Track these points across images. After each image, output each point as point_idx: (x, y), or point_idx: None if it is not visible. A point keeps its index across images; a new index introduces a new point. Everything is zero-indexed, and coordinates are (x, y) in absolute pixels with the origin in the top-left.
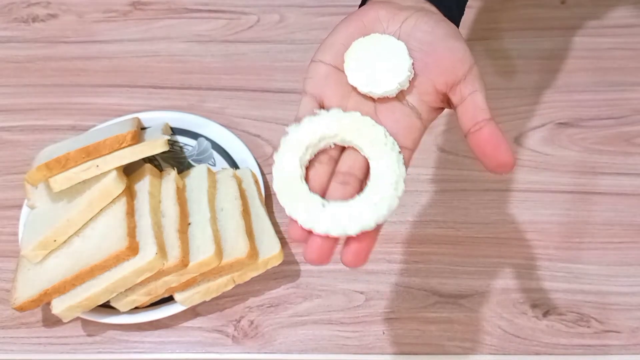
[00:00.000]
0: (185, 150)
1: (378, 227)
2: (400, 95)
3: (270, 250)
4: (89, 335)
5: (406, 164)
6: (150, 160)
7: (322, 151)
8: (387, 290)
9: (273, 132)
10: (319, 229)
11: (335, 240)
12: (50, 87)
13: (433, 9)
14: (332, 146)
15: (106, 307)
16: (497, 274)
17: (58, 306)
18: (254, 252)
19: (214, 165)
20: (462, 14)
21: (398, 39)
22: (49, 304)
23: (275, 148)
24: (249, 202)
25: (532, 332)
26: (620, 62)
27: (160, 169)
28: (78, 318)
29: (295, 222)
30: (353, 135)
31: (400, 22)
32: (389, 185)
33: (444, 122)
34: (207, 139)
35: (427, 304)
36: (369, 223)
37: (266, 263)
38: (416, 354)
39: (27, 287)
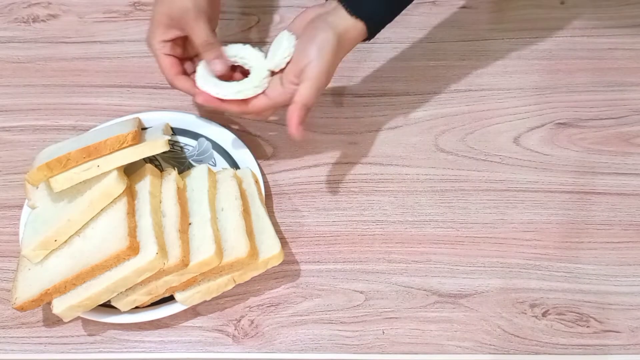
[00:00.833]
0: (185, 150)
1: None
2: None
3: (270, 250)
4: (89, 334)
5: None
6: (151, 160)
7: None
8: (387, 289)
9: (273, 132)
10: (212, 92)
11: (218, 99)
12: (50, 87)
13: (340, 12)
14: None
15: (107, 306)
16: (496, 273)
17: (59, 306)
18: (254, 252)
19: (215, 165)
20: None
21: (300, 35)
22: (49, 303)
23: (275, 148)
24: (249, 202)
25: (531, 331)
26: (619, 62)
27: (161, 169)
28: (78, 318)
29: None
30: (249, 58)
31: (310, 23)
32: (251, 84)
33: (443, 123)
34: (207, 139)
35: (426, 303)
36: (233, 95)
37: (266, 263)
38: (416, 353)
39: (28, 287)
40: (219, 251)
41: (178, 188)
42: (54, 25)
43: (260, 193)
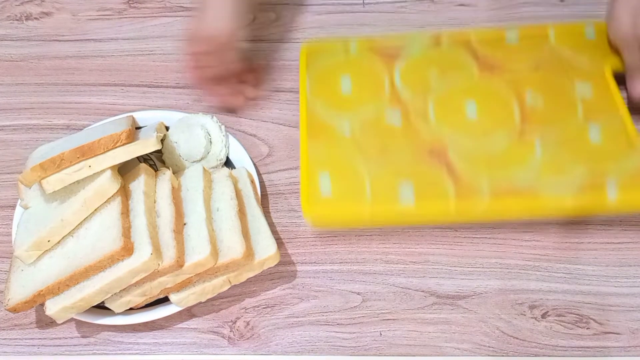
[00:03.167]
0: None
1: None
2: None
3: (266, 250)
4: (83, 336)
5: None
6: (145, 159)
7: None
8: (384, 291)
9: (269, 131)
10: None
11: None
12: (44, 86)
13: None
14: None
15: (101, 308)
16: (495, 274)
17: (52, 307)
18: (249, 253)
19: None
20: None
21: None
22: (42, 305)
23: (272, 147)
24: (245, 202)
25: (530, 333)
26: None
27: (156, 169)
28: (72, 319)
29: None
30: (213, 132)
31: None
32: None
33: None
34: None
35: (424, 304)
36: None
37: (262, 264)
38: (413, 355)
39: (21, 288)
40: (215, 252)
41: (173, 188)
42: (47, 23)
43: (256, 193)
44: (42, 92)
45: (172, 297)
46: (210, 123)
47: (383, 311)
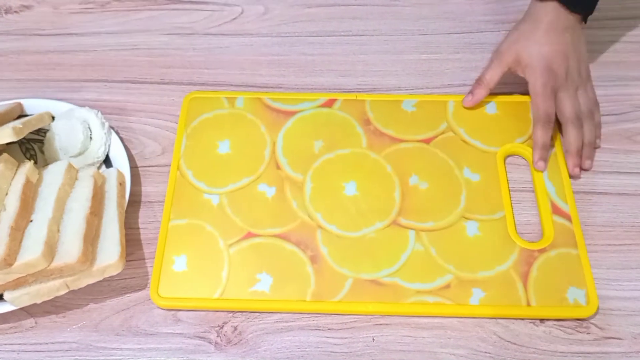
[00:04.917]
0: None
1: None
2: None
3: (108, 258)
4: (64, 341)
5: None
6: (28, 149)
7: None
8: None
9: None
10: None
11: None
12: (24, 82)
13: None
14: None
15: None
16: None
17: None
18: (86, 259)
19: None
20: None
21: None
22: None
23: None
24: (105, 205)
25: (529, 338)
26: (621, 55)
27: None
28: (55, 323)
29: None
30: (94, 128)
31: None
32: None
33: None
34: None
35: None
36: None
37: (103, 271)
38: None
39: None
40: (48, 253)
41: (28, 181)
42: (27, 16)
43: (121, 197)
44: (22, 89)
45: (6, 295)
46: (94, 119)
47: (376, 315)
